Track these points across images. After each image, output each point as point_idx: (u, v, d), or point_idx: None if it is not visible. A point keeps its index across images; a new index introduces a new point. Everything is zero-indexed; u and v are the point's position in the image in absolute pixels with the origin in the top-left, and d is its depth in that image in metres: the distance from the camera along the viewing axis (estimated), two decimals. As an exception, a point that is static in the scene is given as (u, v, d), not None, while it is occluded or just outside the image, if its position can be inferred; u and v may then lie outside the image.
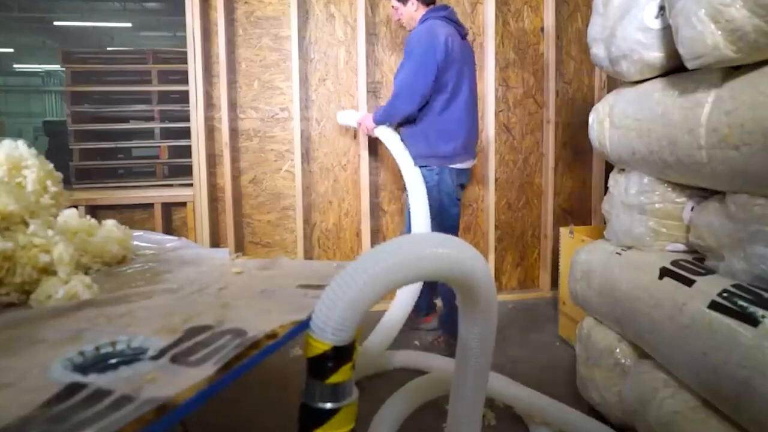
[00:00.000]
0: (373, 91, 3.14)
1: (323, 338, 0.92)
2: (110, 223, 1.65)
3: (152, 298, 1.19)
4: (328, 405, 0.94)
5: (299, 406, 0.96)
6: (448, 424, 1.36)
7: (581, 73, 3.42)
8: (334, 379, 0.93)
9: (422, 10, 2.53)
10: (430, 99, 2.44)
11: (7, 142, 1.58)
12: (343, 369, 0.94)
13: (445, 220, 2.53)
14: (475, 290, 1.10)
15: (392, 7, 2.63)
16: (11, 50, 14.71)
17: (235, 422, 1.95)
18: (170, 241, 1.94)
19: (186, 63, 3.03)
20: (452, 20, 2.51)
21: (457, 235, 2.63)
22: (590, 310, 1.97)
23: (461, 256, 1.04)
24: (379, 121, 2.65)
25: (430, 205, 2.50)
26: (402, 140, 2.64)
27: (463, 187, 2.66)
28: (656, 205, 1.72)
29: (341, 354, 0.94)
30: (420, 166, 2.55)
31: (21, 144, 1.60)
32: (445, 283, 1.12)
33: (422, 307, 2.81)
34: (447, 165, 2.49)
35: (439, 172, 2.50)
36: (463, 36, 2.56)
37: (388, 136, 2.68)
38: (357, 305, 0.93)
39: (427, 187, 2.51)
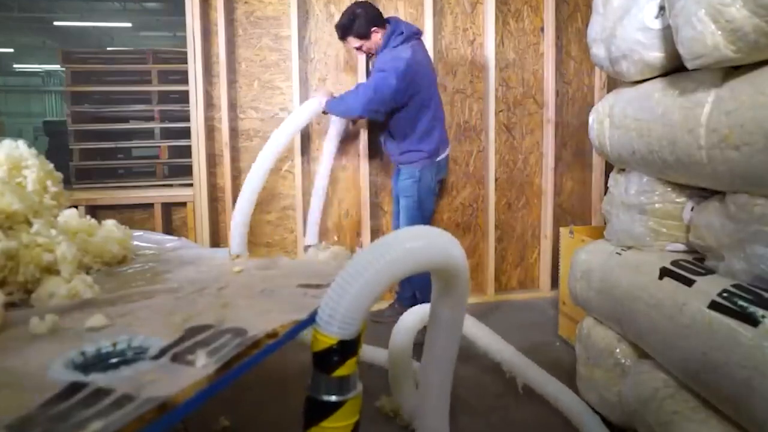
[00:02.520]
0: (373, 91, 3.14)
1: (329, 332, 0.93)
2: (110, 223, 1.65)
3: (153, 297, 1.19)
4: (334, 398, 0.95)
5: (305, 399, 0.97)
6: (420, 401, 1.42)
7: (581, 73, 3.43)
8: (339, 372, 0.94)
9: (383, 32, 2.64)
10: (412, 110, 2.64)
11: (8, 142, 1.57)
12: (349, 363, 0.96)
13: (423, 212, 2.73)
14: (457, 276, 1.17)
15: (356, 48, 2.71)
16: (11, 50, 14.72)
17: (236, 421, 1.95)
18: (170, 241, 1.94)
19: (186, 63, 3.03)
20: (407, 37, 2.61)
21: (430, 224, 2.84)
22: (590, 310, 1.97)
23: (447, 245, 1.11)
24: (331, 108, 2.76)
25: (411, 199, 2.71)
26: (384, 144, 2.87)
27: (440, 180, 2.84)
28: (656, 205, 1.72)
29: (347, 348, 0.95)
30: (403, 164, 2.76)
31: (21, 144, 1.59)
32: (433, 272, 1.18)
33: (410, 299, 2.89)
34: (431, 160, 2.69)
35: (421, 169, 2.69)
36: (419, 36, 2.73)
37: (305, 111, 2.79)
38: (362, 299, 0.95)
39: (409, 183, 2.70)
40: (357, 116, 2.81)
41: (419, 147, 2.68)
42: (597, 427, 1.76)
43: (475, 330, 2.04)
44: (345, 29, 2.64)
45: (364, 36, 2.63)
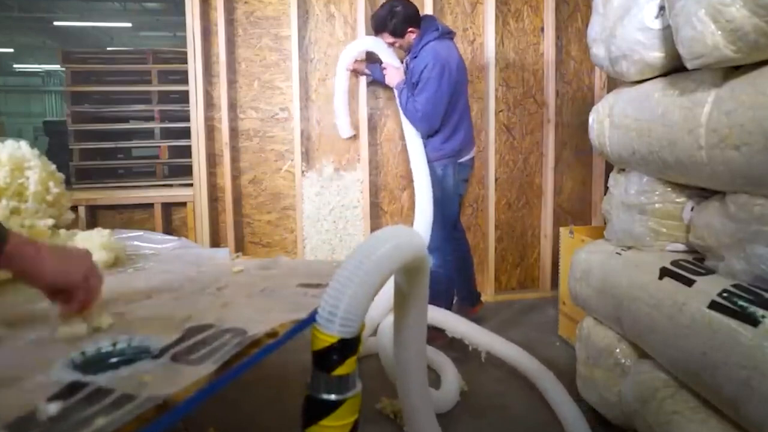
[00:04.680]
0: (373, 91, 3.14)
1: (330, 331, 0.94)
2: (84, 235, 1.59)
3: (152, 297, 1.19)
4: (333, 396, 0.95)
5: (304, 398, 0.97)
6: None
7: (581, 73, 3.43)
8: (339, 371, 0.94)
9: (417, 32, 2.63)
10: None
11: (10, 143, 1.58)
12: (349, 361, 0.95)
13: (444, 211, 2.71)
14: (425, 269, 1.25)
15: (388, 43, 2.69)
16: (11, 50, 14.71)
17: (235, 421, 1.95)
18: (170, 241, 1.93)
19: (186, 63, 3.03)
20: (444, 32, 2.63)
21: (456, 226, 2.85)
22: (590, 310, 1.97)
23: (421, 240, 1.19)
24: (400, 102, 2.71)
25: (434, 197, 2.69)
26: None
27: (466, 181, 2.82)
28: (656, 205, 1.72)
29: (347, 346, 0.95)
30: (429, 161, 2.72)
31: (24, 144, 1.60)
32: (406, 267, 1.23)
33: (467, 297, 2.90)
34: (454, 161, 2.68)
35: (443, 168, 2.69)
36: (452, 38, 2.71)
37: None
38: (362, 295, 0.95)
39: (432, 181, 2.69)
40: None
41: (442, 146, 2.67)
42: (552, 383, 1.99)
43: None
44: (380, 25, 2.62)
45: (399, 35, 2.62)
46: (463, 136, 2.69)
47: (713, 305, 1.31)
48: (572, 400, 1.91)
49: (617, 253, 1.83)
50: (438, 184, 2.69)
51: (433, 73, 2.52)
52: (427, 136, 2.67)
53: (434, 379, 2.15)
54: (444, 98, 2.56)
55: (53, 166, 1.65)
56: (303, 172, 3.13)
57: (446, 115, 2.63)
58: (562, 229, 2.75)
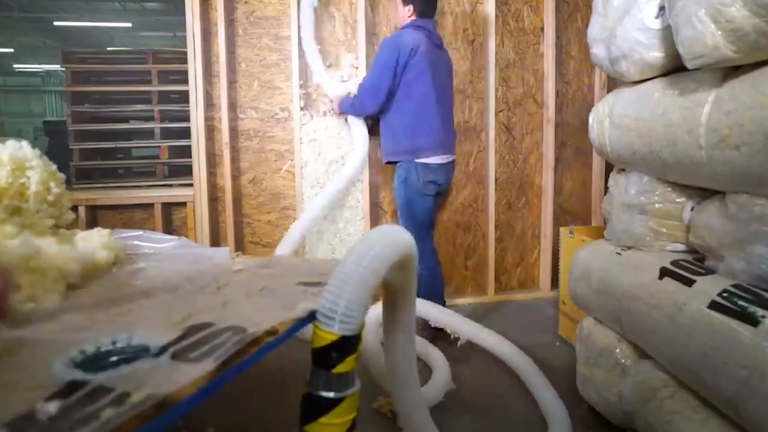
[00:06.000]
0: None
1: (330, 328, 0.94)
2: (84, 235, 1.59)
3: (152, 296, 1.19)
4: (332, 394, 0.95)
5: (303, 395, 0.97)
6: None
7: (581, 73, 3.43)
8: (339, 368, 0.95)
9: (410, 14, 2.64)
10: (395, 100, 2.61)
11: (11, 143, 1.57)
12: (348, 359, 0.95)
13: (414, 212, 2.64)
14: (414, 267, 1.29)
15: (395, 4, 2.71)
16: (11, 50, 14.71)
17: (236, 419, 1.95)
18: (170, 241, 1.94)
19: (186, 63, 3.03)
20: (425, 29, 2.63)
21: (430, 229, 2.81)
22: (590, 310, 1.97)
23: (410, 238, 1.22)
24: (343, 111, 2.89)
25: (399, 200, 2.68)
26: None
27: (439, 184, 2.66)
28: (656, 205, 1.72)
29: (348, 344, 0.95)
30: (388, 162, 2.78)
31: (25, 144, 1.59)
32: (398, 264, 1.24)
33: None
34: (413, 159, 2.61)
35: (406, 168, 2.62)
36: (439, 46, 2.71)
37: (356, 122, 2.91)
38: (362, 291, 0.95)
39: (396, 183, 2.68)
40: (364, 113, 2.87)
41: (398, 143, 2.64)
42: (534, 371, 2.06)
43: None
44: None
45: (405, 3, 2.62)
46: (425, 135, 2.57)
47: (713, 305, 1.31)
48: (546, 379, 2.00)
49: (617, 253, 1.83)
50: (400, 184, 2.62)
51: (383, 48, 2.59)
52: (378, 110, 2.66)
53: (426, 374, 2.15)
54: (390, 72, 2.53)
55: (54, 167, 1.65)
56: (301, 109, 3.10)
57: (395, 100, 2.60)
58: (562, 229, 2.75)
